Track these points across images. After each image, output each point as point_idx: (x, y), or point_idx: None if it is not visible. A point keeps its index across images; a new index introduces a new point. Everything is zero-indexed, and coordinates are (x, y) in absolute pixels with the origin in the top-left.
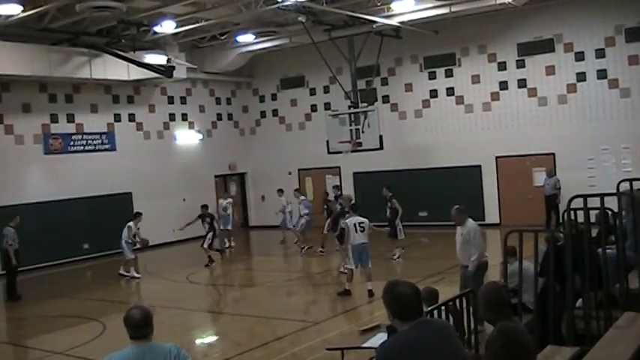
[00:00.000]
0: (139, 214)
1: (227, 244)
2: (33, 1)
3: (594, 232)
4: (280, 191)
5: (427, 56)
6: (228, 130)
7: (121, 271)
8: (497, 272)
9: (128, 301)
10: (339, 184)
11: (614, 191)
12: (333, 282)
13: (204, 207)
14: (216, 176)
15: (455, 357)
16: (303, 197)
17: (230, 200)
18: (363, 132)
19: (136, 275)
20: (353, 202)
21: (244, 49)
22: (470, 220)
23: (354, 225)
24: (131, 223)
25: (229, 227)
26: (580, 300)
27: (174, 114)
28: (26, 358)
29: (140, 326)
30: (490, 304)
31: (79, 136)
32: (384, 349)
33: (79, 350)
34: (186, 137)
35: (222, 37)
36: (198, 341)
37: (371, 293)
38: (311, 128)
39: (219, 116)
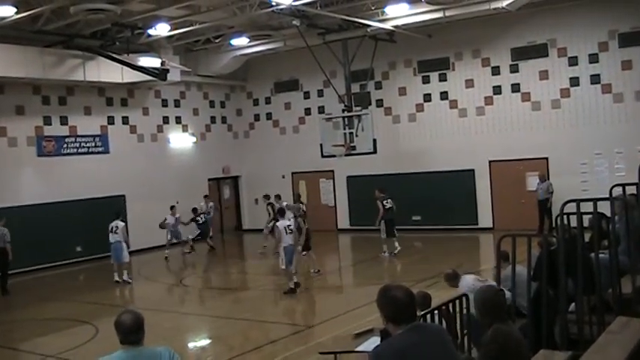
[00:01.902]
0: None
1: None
2: (27, 3)
3: (587, 237)
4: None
5: (421, 60)
6: (222, 133)
7: (124, 278)
8: (490, 277)
9: (121, 305)
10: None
11: (607, 196)
12: (326, 286)
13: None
14: (209, 179)
15: None
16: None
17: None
18: (356, 136)
19: (123, 279)
20: (280, 207)
21: (238, 53)
22: (461, 279)
23: (284, 228)
24: (122, 223)
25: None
26: (573, 304)
27: (168, 117)
28: None
29: (131, 332)
30: (486, 308)
31: (73, 139)
32: (377, 353)
33: (71, 353)
34: (180, 140)
35: (217, 41)
36: (191, 345)
37: (293, 290)
38: (305, 132)
39: (213, 119)
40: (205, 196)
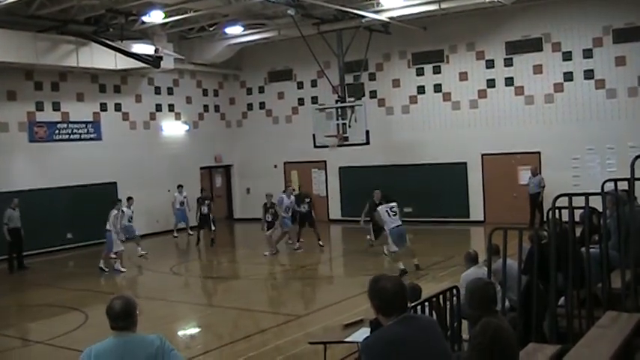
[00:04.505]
0: (119, 200)
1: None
2: None
3: (578, 232)
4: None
5: (415, 52)
6: (215, 121)
7: (110, 266)
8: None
9: (111, 292)
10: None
11: (599, 191)
12: (316, 276)
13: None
14: (201, 168)
15: (439, 353)
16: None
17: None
18: (349, 127)
19: (122, 269)
20: (384, 193)
21: (232, 41)
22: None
23: (386, 210)
24: (115, 211)
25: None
26: (563, 298)
27: (160, 104)
28: (7, 348)
29: (120, 317)
30: (475, 300)
31: (65, 125)
32: (367, 344)
33: (60, 340)
34: (173, 128)
35: (211, 29)
36: (180, 333)
37: (418, 267)
38: (298, 122)
39: (205, 108)
40: (179, 186)
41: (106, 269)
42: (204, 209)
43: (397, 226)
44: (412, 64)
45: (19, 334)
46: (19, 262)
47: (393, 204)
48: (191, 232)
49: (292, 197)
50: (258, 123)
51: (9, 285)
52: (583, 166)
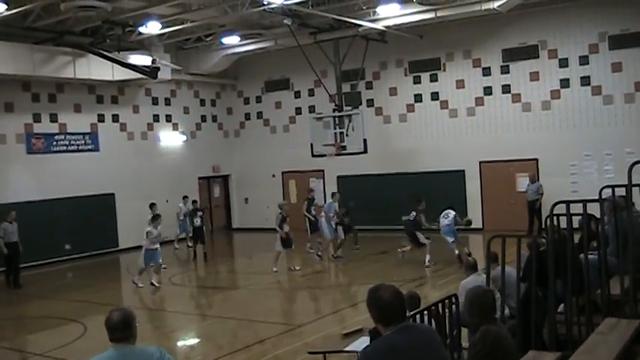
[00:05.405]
0: (158, 216)
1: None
2: (17, 0)
3: (576, 238)
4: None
5: (412, 61)
6: (213, 131)
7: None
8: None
9: (109, 303)
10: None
11: (597, 197)
12: (315, 285)
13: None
14: (200, 178)
15: None
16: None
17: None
18: (347, 135)
19: (139, 285)
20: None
21: (229, 51)
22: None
23: (443, 215)
24: (150, 228)
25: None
26: (562, 305)
27: (158, 115)
28: None
29: (118, 329)
30: (475, 308)
31: (62, 136)
32: (366, 353)
33: (59, 352)
34: (170, 138)
35: (208, 39)
36: (180, 344)
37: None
38: (295, 131)
39: (203, 118)
40: (184, 197)
41: (158, 284)
42: (197, 221)
43: (445, 225)
44: (409, 72)
45: (16, 346)
46: (14, 278)
47: (448, 211)
48: (190, 245)
49: (337, 204)
50: (256, 133)
51: (7, 297)
52: (581, 173)
